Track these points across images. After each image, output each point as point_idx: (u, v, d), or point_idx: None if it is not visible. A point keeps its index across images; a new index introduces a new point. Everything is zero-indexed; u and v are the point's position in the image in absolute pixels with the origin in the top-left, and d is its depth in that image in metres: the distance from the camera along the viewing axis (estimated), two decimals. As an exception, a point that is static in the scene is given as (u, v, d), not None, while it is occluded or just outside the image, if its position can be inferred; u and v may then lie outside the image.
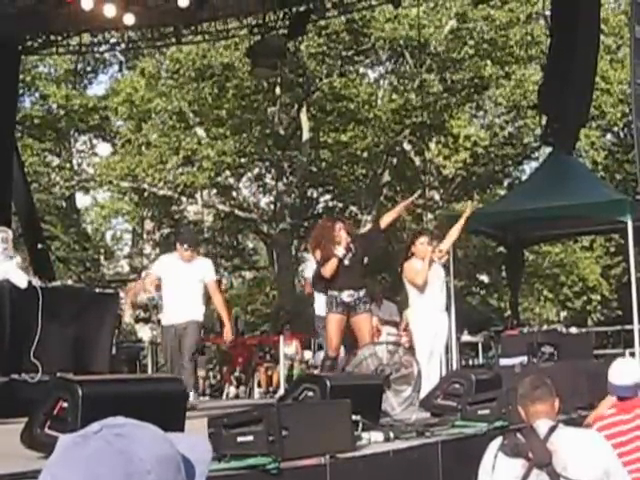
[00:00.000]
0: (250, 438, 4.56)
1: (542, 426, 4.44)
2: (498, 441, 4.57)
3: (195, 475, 1.47)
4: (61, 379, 4.73)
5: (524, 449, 4.35)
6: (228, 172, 29.50)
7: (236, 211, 29.92)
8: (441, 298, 10.45)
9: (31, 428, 4.57)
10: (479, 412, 6.96)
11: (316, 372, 12.45)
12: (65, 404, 4.42)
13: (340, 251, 9.24)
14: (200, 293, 9.45)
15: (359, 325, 9.35)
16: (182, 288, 9.22)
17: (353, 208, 31.72)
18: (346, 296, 9.24)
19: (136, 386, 4.86)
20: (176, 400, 4.67)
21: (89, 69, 34.89)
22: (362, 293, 9.35)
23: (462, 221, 11.09)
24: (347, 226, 9.81)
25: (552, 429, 4.41)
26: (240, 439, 4.57)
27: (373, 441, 5.59)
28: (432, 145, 29.15)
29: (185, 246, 9.31)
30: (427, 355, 9.89)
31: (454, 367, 14.90)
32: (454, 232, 11.07)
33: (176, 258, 9.41)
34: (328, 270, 9.27)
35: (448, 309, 13.64)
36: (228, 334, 9.86)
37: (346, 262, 9.32)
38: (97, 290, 11.15)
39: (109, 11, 15.84)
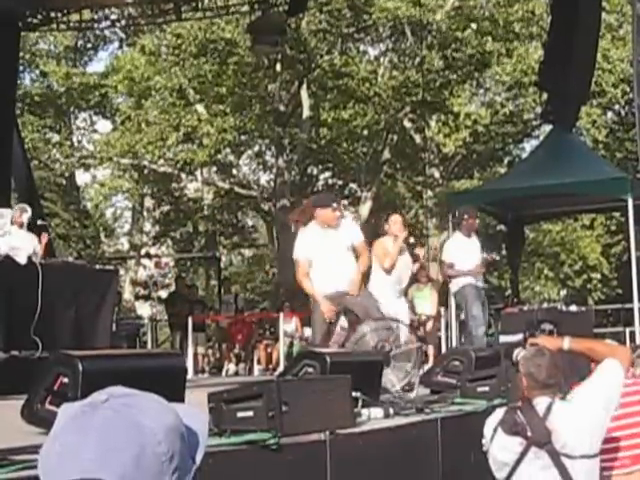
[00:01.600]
0: (250, 413, 4.56)
1: (541, 404, 4.46)
2: (499, 414, 4.58)
3: (198, 444, 1.48)
4: (61, 354, 4.73)
5: (523, 428, 4.36)
6: (228, 149, 29.45)
7: (236, 188, 29.89)
8: (401, 285, 10.33)
9: (31, 403, 4.58)
10: (478, 389, 6.97)
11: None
12: (65, 379, 4.42)
13: None
14: (352, 257, 8.64)
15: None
16: (335, 258, 8.47)
17: (353, 185, 31.71)
18: None
19: (136, 361, 4.87)
20: (176, 375, 4.68)
21: (89, 46, 34.79)
22: None
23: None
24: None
25: (550, 406, 4.43)
26: (240, 414, 4.57)
27: (373, 417, 5.60)
28: (432, 123, 29.08)
29: (334, 205, 8.72)
30: None
31: (454, 344, 14.93)
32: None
33: (317, 229, 8.63)
34: None
35: (448, 287, 13.62)
36: (355, 288, 8.67)
37: None
38: (97, 267, 11.19)
39: (109, -13, 15.80)
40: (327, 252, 8.50)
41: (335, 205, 8.69)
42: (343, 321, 9.59)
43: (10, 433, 4.54)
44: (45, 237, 10.68)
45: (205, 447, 1.51)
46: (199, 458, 1.47)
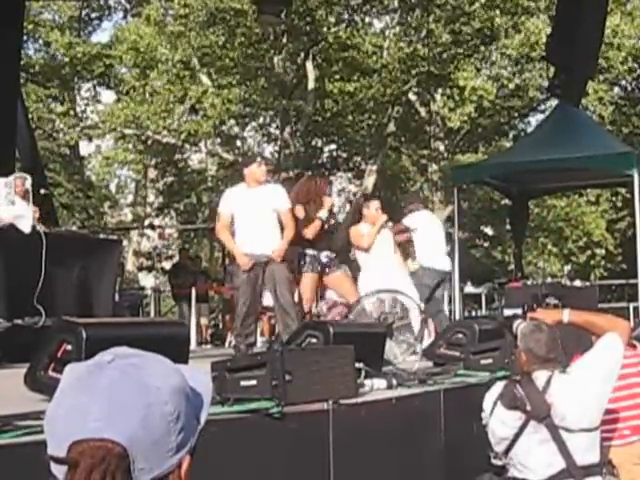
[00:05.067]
0: (253, 382, 4.56)
1: (541, 377, 4.46)
2: (498, 387, 4.58)
3: (202, 405, 1.48)
4: (65, 321, 4.72)
5: (522, 402, 4.36)
6: (233, 121, 29.37)
7: (240, 160, 29.80)
8: (394, 258, 10.35)
9: (35, 370, 4.58)
10: (482, 362, 6.97)
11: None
12: (69, 347, 4.42)
13: (324, 214, 9.26)
14: (276, 221, 8.73)
15: (338, 283, 9.47)
16: (257, 219, 8.57)
17: (357, 158, 31.64)
18: (324, 257, 9.30)
19: (139, 329, 4.87)
20: (179, 343, 4.67)
21: (93, 16, 34.61)
22: (334, 255, 9.47)
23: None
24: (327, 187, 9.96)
25: (549, 379, 4.43)
26: (243, 383, 4.58)
27: (376, 388, 5.60)
28: (438, 97, 28.98)
29: (258, 159, 8.86)
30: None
31: (457, 318, 14.94)
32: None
33: (243, 188, 8.79)
34: (311, 232, 9.25)
35: (452, 261, 13.61)
36: (277, 255, 8.62)
37: (325, 226, 9.38)
38: (100, 236, 11.18)
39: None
40: (250, 212, 8.60)
41: (260, 160, 8.95)
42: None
43: (14, 400, 4.55)
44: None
45: (208, 413, 1.51)
46: (203, 419, 1.48)
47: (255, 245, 8.51)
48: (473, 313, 21.31)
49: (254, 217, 8.58)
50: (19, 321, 8.54)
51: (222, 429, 3.94)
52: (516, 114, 31.14)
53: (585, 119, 17.78)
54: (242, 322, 8.51)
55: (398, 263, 10.34)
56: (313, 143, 31.78)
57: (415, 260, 11.25)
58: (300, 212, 9.45)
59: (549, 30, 19.70)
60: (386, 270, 9.92)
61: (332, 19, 27.78)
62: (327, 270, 9.37)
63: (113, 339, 4.33)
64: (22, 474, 3.21)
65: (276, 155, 30.17)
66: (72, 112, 31.73)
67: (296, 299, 9.15)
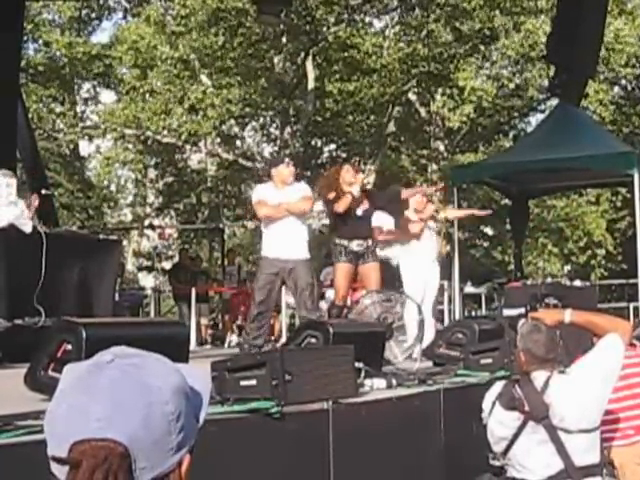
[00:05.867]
0: (253, 382, 4.56)
1: (539, 378, 4.46)
2: (498, 387, 4.58)
3: (201, 404, 1.49)
4: (65, 321, 4.72)
5: (520, 402, 4.36)
6: (233, 121, 29.36)
7: (240, 160, 29.82)
8: (432, 248, 10.54)
9: (35, 370, 4.58)
10: (481, 361, 6.97)
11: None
12: (69, 346, 4.42)
13: (356, 189, 9.20)
14: (304, 224, 9.01)
15: (367, 274, 9.36)
16: (285, 222, 8.76)
17: (357, 158, 31.60)
18: (355, 245, 9.24)
19: (139, 329, 4.87)
20: (179, 343, 4.68)
21: (93, 16, 34.57)
22: (370, 242, 9.37)
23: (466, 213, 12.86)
24: (357, 170, 9.92)
25: (548, 380, 4.43)
26: (243, 383, 4.58)
27: (375, 388, 5.61)
28: (437, 96, 28.97)
29: (286, 160, 9.05)
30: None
31: (457, 318, 14.93)
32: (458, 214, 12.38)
33: (271, 188, 8.94)
34: (342, 205, 9.18)
35: (451, 261, 13.68)
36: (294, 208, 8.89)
37: (359, 212, 9.30)
38: (100, 236, 11.16)
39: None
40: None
41: (287, 160, 9.10)
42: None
43: (14, 400, 4.55)
44: (36, 200, 10.50)
45: (208, 414, 1.51)
46: (202, 418, 1.48)
47: (281, 249, 8.64)
48: (473, 313, 21.30)
49: (281, 221, 8.68)
50: (19, 321, 8.53)
51: (222, 429, 3.94)
52: (516, 114, 31.13)
53: (585, 119, 17.77)
54: (253, 320, 8.61)
55: (433, 253, 10.59)
56: (313, 143, 31.75)
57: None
58: (330, 194, 9.47)
59: (549, 30, 19.69)
60: (425, 263, 10.27)
61: (332, 19, 27.75)
62: (362, 260, 9.33)
63: (113, 339, 4.31)
64: (22, 474, 3.21)
65: (276, 155, 30.15)
66: (72, 112, 31.73)
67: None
